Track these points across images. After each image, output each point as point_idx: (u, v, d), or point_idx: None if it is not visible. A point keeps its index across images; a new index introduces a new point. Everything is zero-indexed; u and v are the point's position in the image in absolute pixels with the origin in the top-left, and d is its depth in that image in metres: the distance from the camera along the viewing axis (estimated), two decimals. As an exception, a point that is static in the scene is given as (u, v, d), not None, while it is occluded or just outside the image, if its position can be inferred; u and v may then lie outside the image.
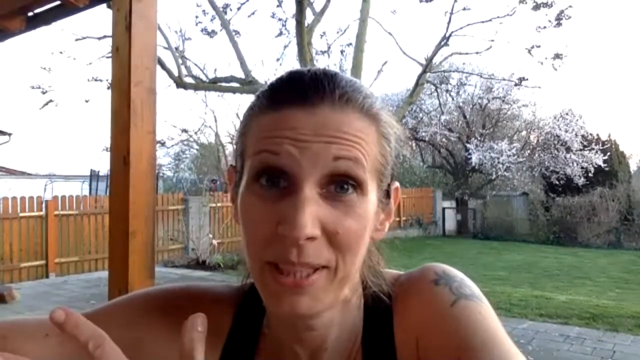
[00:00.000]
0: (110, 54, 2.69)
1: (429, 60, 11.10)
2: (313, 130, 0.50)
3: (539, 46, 11.08)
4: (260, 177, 0.51)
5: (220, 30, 11.23)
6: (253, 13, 11.61)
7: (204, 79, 11.71)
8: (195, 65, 12.10)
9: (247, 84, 10.47)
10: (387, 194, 0.57)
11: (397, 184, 0.59)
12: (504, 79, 15.95)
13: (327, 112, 0.51)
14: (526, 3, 10.36)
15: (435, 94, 15.98)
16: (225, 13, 10.99)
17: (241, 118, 0.58)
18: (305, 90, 0.51)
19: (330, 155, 0.49)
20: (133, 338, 0.61)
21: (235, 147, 0.59)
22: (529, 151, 17.69)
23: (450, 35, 10.81)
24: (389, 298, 0.60)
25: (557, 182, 17.08)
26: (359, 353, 0.59)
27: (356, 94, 0.53)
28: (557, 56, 10.99)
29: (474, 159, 16.55)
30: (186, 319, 0.63)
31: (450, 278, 0.57)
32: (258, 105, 0.55)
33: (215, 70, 17.79)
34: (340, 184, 0.50)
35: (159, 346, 0.62)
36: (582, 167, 16.56)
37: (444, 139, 18.25)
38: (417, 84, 11.25)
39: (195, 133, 18.84)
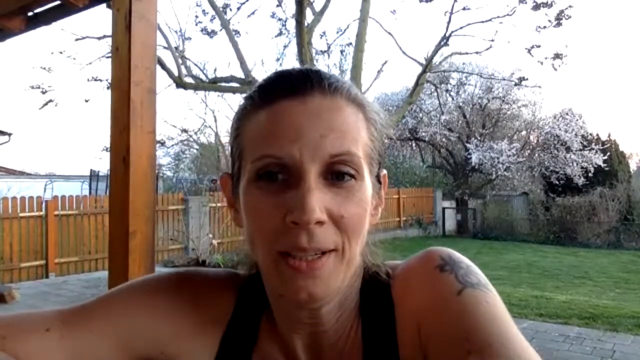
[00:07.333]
0: (110, 54, 2.68)
1: (429, 60, 11.08)
2: (307, 118, 0.52)
3: (539, 46, 11.05)
4: (262, 175, 0.53)
5: (220, 30, 11.23)
6: (253, 13, 11.62)
7: (204, 79, 11.70)
8: (195, 65, 12.12)
9: (247, 84, 10.46)
10: (378, 179, 0.59)
11: (384, 171, 0.61)
12: (504, 79, 15.95)
13: (318, 100, 0.53)
14: (526, 3, 10.34)
15: (435, 94, 15.94)
16: (225, 13, 10.99)
17: (232, 121, 0.60)
18: (295, 83, 0.54)
19: (327, 152, 0.51)
20: (133, 323, 0.61)
21: (230, 149, 0.60)
22: (528, 151, 17.68)
23: (450, 35, 10.80)
24: (388, 277, 0.61)
25: (557, 182, 17.07)
26: (358, 330, 0.59)
27: (342, 83, 0.56)
28: (557, 56, 10.96)
29: (474, 158, 16.53)
30: (188, 303, 0.63)
31: (456, 264, 0.57)
32: (250, 104, 0.56)
33: (215, 70, 17.77)
34: (339, 173, 0.52)
35: (161, 331, 0.62)
36: (582, 167, 16.55)
37: (444, 139, 18.23)
38: (417, 84, 11.23)
39: (195, 133, 18.85)
